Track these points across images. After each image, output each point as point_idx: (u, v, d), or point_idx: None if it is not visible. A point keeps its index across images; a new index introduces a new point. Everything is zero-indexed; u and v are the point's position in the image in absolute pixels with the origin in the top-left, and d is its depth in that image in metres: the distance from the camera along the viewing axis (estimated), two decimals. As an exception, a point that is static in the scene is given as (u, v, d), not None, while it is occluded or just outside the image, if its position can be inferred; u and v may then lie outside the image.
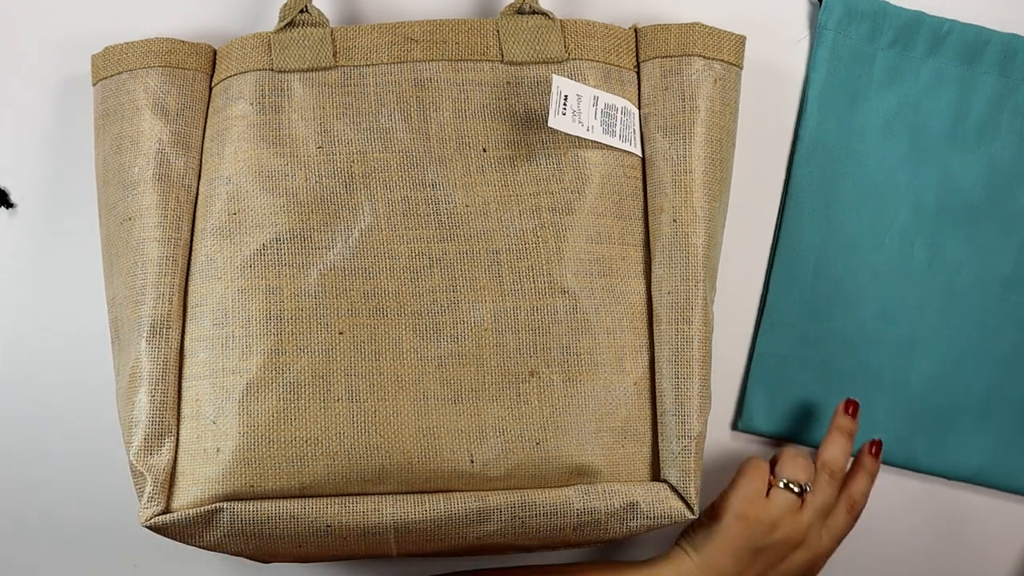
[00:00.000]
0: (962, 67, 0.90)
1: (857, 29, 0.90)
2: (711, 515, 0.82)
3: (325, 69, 0.83)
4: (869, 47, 0.90)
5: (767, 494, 0.82)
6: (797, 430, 0.90)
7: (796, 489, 0.81)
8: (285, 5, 0.84)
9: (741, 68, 0.84)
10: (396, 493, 0.78)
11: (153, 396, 0.79)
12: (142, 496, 0.79)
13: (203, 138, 0.84)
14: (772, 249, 0.90)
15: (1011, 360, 0.90)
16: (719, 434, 0.91)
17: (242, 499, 0.77)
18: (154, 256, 0.80)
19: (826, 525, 0.82)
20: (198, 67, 0.84)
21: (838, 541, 0.83)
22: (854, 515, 0.84)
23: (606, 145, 0.82)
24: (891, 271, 0.90)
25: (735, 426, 0.90)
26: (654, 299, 0.82)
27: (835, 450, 0.84)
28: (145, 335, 0.80)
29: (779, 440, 0.91)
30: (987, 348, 0.90)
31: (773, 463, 0.83)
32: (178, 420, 0.80)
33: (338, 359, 0.78)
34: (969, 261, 0.90)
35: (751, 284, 0.90)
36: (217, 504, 0.77)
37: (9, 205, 0.90)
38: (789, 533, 0.81)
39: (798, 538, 0.81)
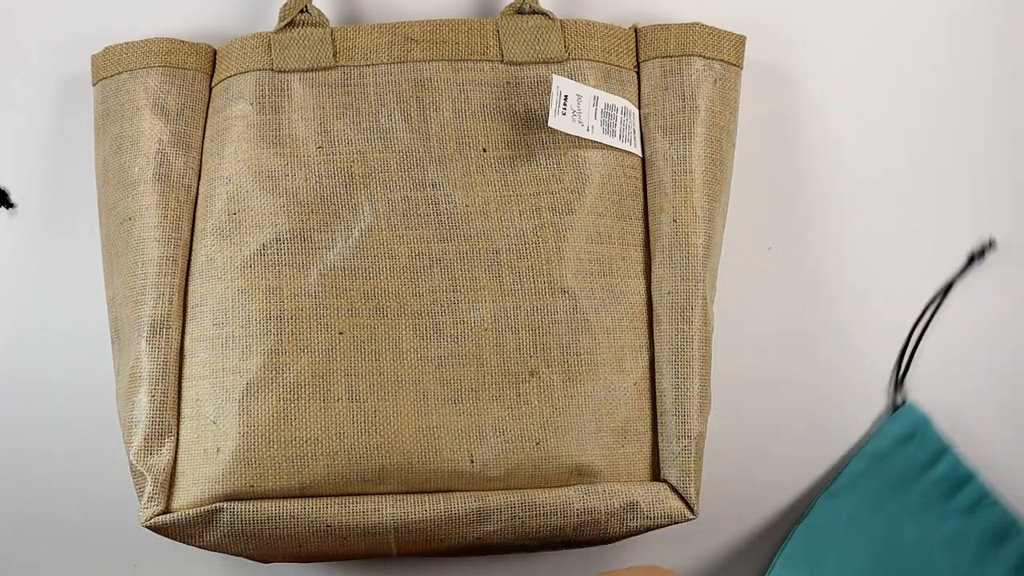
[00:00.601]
0: (985, 546, 0.86)
1: (915, 452, 0.88)
2: None
3: (325, 69, 0.83)
4: (916, 473, 0.87)
5: None
6: None
7: None
8: (285, 5, 0.84)
9: (741, 68, 0.84)
10: (396, 493, 0.78)
11: (153, 396, 0.79)
12: (142, 496, 0.79)
13: (203, 138, 0.84)
14: (783, 543, 0.88)
15: None
16: (719, 433, 0.91)
17: (242, 499, 0.77)
18: (154, 256, 0.80)
19: None
20: (198, 67, 0.84)
21: None
22: None
23: (606, 145, 0.82)
24: None
25: None
26: (654, 299, 0.82)
27: None
28: (145, 335, 0.80)
29: None
30: None
31: None
32: (178, 420, 0.80)
33: (338, 359, 0.78)
34: None
35: (751, 284, 0.90)
36: (217, 504, 0.77)
37: (9, 205, 0.90)
38: None
39: None
